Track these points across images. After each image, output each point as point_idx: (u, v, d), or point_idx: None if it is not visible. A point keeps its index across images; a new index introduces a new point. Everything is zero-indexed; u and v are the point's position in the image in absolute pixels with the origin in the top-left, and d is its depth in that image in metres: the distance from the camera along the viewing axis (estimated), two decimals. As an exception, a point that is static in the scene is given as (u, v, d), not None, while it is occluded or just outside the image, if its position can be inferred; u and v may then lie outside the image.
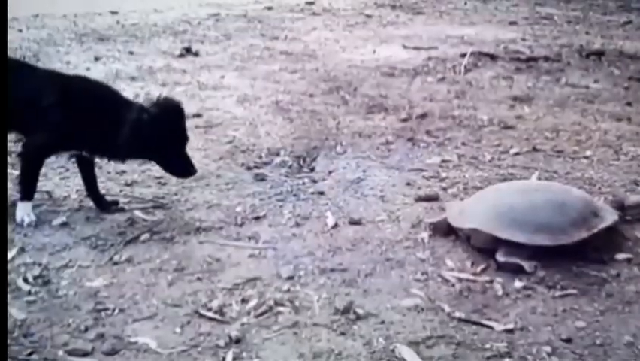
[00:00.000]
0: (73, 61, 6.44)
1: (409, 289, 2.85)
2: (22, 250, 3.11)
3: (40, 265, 2.98)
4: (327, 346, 2.48)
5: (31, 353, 2.42)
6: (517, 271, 2.95)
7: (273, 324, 2.60)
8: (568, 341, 2.52)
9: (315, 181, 3.93)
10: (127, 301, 2.73)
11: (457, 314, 2.66)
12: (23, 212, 3.33)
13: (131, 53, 6.91)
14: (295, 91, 5.72)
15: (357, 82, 6.02)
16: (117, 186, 3.79)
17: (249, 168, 4.10)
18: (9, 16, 7.92)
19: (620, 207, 3.40)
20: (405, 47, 7.45)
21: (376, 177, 3.98)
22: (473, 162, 4.23)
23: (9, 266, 2.96)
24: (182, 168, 3.43)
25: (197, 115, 4.98)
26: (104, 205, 3.52)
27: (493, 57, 6.86)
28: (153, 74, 6.12)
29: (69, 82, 3.48)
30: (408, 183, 3.90)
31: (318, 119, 4.99)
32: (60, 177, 3.88)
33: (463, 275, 2.95)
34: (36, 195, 3.42)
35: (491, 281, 2.91)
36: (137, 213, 3.49)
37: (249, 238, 3.27)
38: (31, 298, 2.75)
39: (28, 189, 3.35)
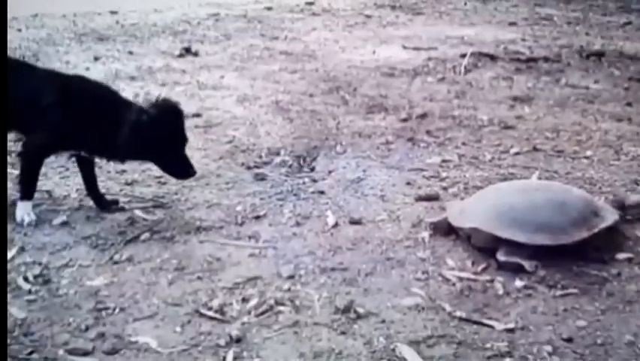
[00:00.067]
0: (73, 60, 6.44)
1: (410, 288, 2.85)
2: (22, 249, 3.11)
3: (40, 264, 2.98)
4: (327, 345, 2.48)
5: (31, 352, 2.41)
6: (517, 270, 2.95)
7: (273, 323, 2.60)
8: (569, 340, 2.52)
9: (315, 181, 3.93)
10: (127, 301, 2.73)
11: (458, 314, 2.66)
12: (23, 211, 3.32)
13: (131, 52, 6.91)
14: (295, 91, 5.72)
15: (357, 82, 6.02)
16: (117, 186, 3.79)
17: (249, 168, 4.10)
18: (9, 15, 7.93)
19: (621, 206, 3.40)
20: (405, 47, 7.45)
21: (376, 177, 3.98)
22: (473, 162, 4.23)
23: (9, 265, 2.96)
24: (181, 169, 3.43)
25: (197, 115, 4.99)
26: (104, 205, 3.51)
27: (493, 57, 6.86)
28: (153, 74, 6.12)
29: (69, 82, 3.48)
30: (408, 183, 3.90)
31: (318, 119, 4.99)
32: (60, 176, 3.87)
33: (463, 274, 2.95)
34: (36, 195, 3.42)
35: (492, 281, 2.91)
36: (138, 212, 3.49)
37: (250, 238, 3.26)
38: (31, 297, 2.75)
39: (28, 189, 3.35)
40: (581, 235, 3.04)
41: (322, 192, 3.76)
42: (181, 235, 3.27)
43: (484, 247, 3.09)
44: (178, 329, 2.56)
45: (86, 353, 2.42)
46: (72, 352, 2.42)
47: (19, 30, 7.75)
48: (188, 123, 4.39)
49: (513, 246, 2.99)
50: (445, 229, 3.28)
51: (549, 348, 2.47)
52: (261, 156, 4.27)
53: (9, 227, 3.27)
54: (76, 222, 3.37)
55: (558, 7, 10.29)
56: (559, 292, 2.82)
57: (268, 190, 3.79)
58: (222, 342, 2.48)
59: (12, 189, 3.57)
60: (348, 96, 5.59)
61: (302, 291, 2.82)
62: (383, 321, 2.62)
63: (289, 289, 2.82)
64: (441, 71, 6.43)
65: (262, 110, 5.19)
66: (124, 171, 3.91)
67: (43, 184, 3.63)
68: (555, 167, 4.16)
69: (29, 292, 2.78)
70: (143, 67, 6.33)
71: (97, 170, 3.58)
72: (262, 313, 2.66)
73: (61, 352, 2.42)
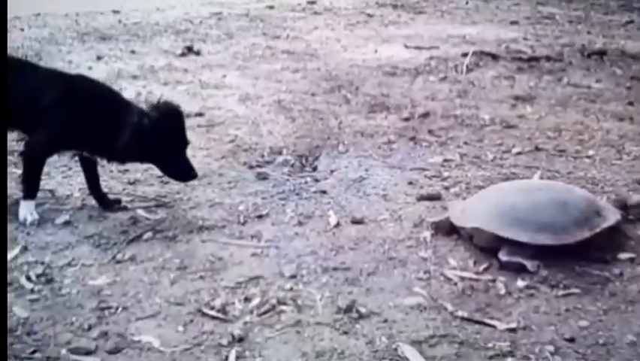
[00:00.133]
0: (75, 60, 6.44)
1: (412, 288, 2.85)
2: (25, 248, 3.11)
3: (43, 263, 2.99)
4: (329, 345, 2.48)
5: (34, 352, 2.42)
6: (519, 270, 2.95)
7: (275, 323, 2.61)
8: (571, 340, 2.52)
9: (317, 180, 3.93)
10: (130, 300, 2.74)
11: (460, 313, 2.67)
12: (26, 211, 3.33)
13: (133, 51, 6.91)
14: (297, 90, 5.72)
15: (359, 81, 6.02)
16: (120, 185, 3.80)
17: (251, 167, 4.10)
18: (11, 15, 7.94)
19: (623, 206, 3.40)
20: (406, 46, 7.45)
21: (378, 176, 3.99)
22: (475, 162, 4.23)
23: (12, 265, 2.96)
24: (182, 171, 3.43)
25: (199, 114, 4.99)
26: (107, 204, 3.52)
27: (494, 57, 6.85)
28: (155, 73, 6.12)
29: (71, 81, 3.48)
30: (410, 183, 3.90)
31: (320, 119, 4.99)
32: (63, 175, 3.88)
33: (465, 274, 2.95)
34: (39, 194, 3.42)
35: (494, 280, 2.91)
36: (140, 211, 3.49)
37: (252, 237, 3.27)
38: (34, 296, 2.76)
39: (30, 188, 3.36)
40: (583, 234, 3.04)
41: (324, 192, 3.76)
42: (183, 234, 3.27)
43: (486, 246, 3.09)
44: (180, 328, 2.57)
45: (88, 352, 2.43)
46: (75, 351, 2.43)
47: (22, 29, 7.76)
48: (191, 122, 4.43)
49: (515, 246, 2.99)
50: (447, 229, 3.28)
51: (551, 348, 2.47)
52: (263, 156, 4.27)
53: (12, 226, 3.28)
54: (79, 221, 3.38)
55: (560, 5, 10.28)
56: (561, 292, 2.83)
57: (270, 190, 3.79)
58: (225, 341, 2.48)
59: (15, 189, 3.58)
60: (350, 95, 5.59)
61: (304, 290, 2.82)
62: (385, 321, 2.62)
63: (291, 289, 2.83)
64: (443, 70, 6.42)
65: (264, 110, 5.19)
66: (126, 171, 3.91)
67: (45, 183, 3.63)
68: (557, 166, 4.16)
69: (32, 291, 2.79)
70: (145, 66, 6.33)
71: (99, 169, 3.58)
72: (264, 312, 2.66)
73: (63, 351, 2.43)
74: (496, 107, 5.33)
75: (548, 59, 6.81)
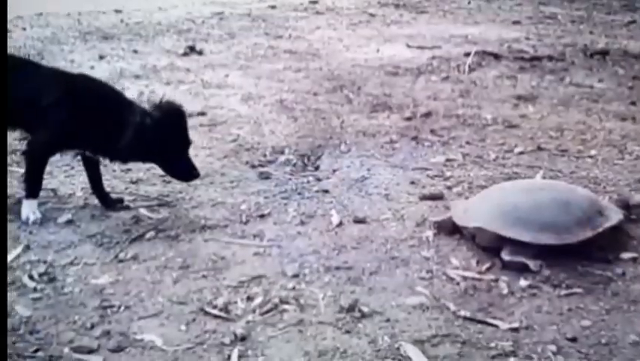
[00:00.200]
0: (78, 59, 6.45)
1: (414, 287, 2.85)
2: (27, 247, 3.11)
3: (45, 262, 2.99)
4: (332, 344, 2.48)
5: (36, 350, 2.42)
6: (522, 269, 2.95)
7: (278, 322, 2.61)
8: (573, 340, 2.52)
9: (319, 180, 3.93)
10: (132, 299, 2.74)
11: (462, 313, 2.67)
12: (29, 210, 3.33)
13: (135, 51, 6.92)
14: (299, 90, 5.72)
15: (361, 81, 6.02)
16: (122, 184, 3.80)
17: (253, 167, 4.10)
18: (14, 14, 7.96)
19: (625, 206, 3.40)
20: (409, 46, 7.45)
21: (381, 176, 3.99)
22: (478, 161, 4.23)
23: (14, 264, 2.96)
24: (184, 171, 3.43)
25: (202, 113, 5.00)
26: (109, 203, 3.52)
27: (497, 56, 6.85)
28: (157, 73, 6.12)
29: (73, 81, 3.48)
30: (412, 182, 3.90)
31: (323, 118, 4.99)
32: (65, 174, 3.88)
33: (468, 274, 2.95)
34: (41, 193, 3.42)
35: (496, 280, 2.91)
36: (142, 211, 3.50)
37: (254, 236, 3.27)
38: (36, 295, 2.76)
39: (33, 187, 3.36)
40: (586, 234, 3.04)
41: (326, 191, 3.76)
42: (186, 233, 3.27)
43: (489, 246, 3.09)
44: (183, 327, 2.57)
45: (91, 351, 2.43)
46: (77, 350, 2.43)
47: (24, 29, 7.76)
48: (193, 122, 4.43)
49: (517, 245, 2.99)
50: (450, 228, 3.28)
51: (553, 348, 2.47)
52: (265, 155, 4.27)
53: (14, 225, 3.28)
54: (82, 220, 3.38)
55: (562, 5, 10.28)
56: (563, 292, 2.82)
57: (272, 189, 3.79)
58: (227, 340, 2.48)
59: (17, 188, 3.58)
60: (352, 95, 5.59)
61: (306, 290, 2.82)
62: (387, 320, 2.62)
63: (294, 288, 2.83)
64: (445, 69, 6.43)
65: (266, 109, 5.20)
66: (129, 170, 3.92)
67: (48, 183, 3.63)
68: (559, 166, 4.16)
69: (34, 290, 2.79)
70: (147, 65, 6.33)
71: (102, 168, 3.58)
72: (267, 311, 2.66)
73: (66, 350, 2.43)
74: (498, 107, 5.33)
75: (551, 58, 6.81)
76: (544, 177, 3.94)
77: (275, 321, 2.61)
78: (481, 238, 3.12)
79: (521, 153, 4.37)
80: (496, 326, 2.60)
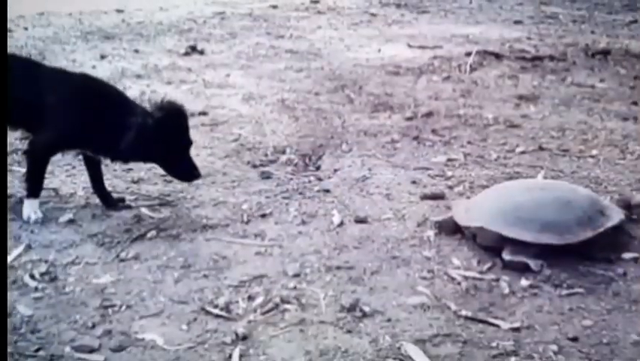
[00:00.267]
0: (79, 59, 6.46)
1: (415, 287, 2.85)
2: (29, 246, 3.11)
3: (46, 261, 2.99)
4: (333, 343, 2.48)
5: (38, 350, 2.42)
6: (523, 269, 2.95)
7: (279, 321, 2.61)
8: (574, 339, 2.52)
9: (320, 179, 3.93)
10: (134, 298, 2.74)
11: (464, 312, 2.66)
12: (30, 209, 3.33)
13: (137, 51, 6.93)
14: (301, 89, 5.73)
15: (363, 80, 6.02)
16: (123, 184, 3.80)
17: (254, 166, 4.11)
18: (15, 14, 7.96)
19: (627, 206, 3.40)
20: (410, 45, 7.45)
21: (382, 176, 3.99)
22: (479, 161, 4.23)
23: (16, 263, 2.97)
24: (185, 171, 3.43)
25: (203, 113, 5.00)
26: (111, 202, 3.52)
27: (498, 56, 6.86)
28: (159, 72, 6.13)
29: (75, 80, 3.48)
30: (413, 182, 3.90)
31: (324, 118, 4.99)
32: (66, 174, 3.89)
33: (469, 273, 2.95)
34: (43, 193, 3.42)
35: (497, 280, 2.91)
36: (144, 210, 3.50)
37: (255, 236, 3.27)
38: (38, 294, 2.75)
39: (34, 187, 3.36)
40: (587, 234, 3.03)
41: (328, 191, 3.76)
42: (187, 232, 3.27)
43: (490, 246, 3.09)
44: (184, 326, 2.57)
45: (92, 350, 2.43)
46: (78, 349, 2.43)
47: (26, 28, 7.78)
48: (194, 121, 4.43)
49: (519, 245, 2.99)
50: (451, 228, 3.28)
51: (555, 347, 2.47)
52: (266, 155, 4.27)
53: (16, 225, 3.28)
54: (83, 220, 3.38)
55: (563, 5, 10.28)
56: (564, 292, 2.82)
57: (274, 189, 3.79)
58: (228, 340, 2.48)
59: (18, 187, 3.58)
60: (353, 95, 5.59)
61: (308, 289, 2.82)
62: (389, 320, 2.62)
63: (295, 288, 2.83)
64: (446, 69, 6.43)
65: (268, 109, 5.20)
66: (130, 170, 3.92)
67: (49, 182, 3.63)
68: (561, 166, 4.16)
69: (36, 289, 2.79)
70: (149, 65, 6.34)
71: (103, 168, 3.58)
72: (268, 311, 2.66)
73: (67, 349, 2.43)
74: (499, 107, 5.33)
75: (552, 58, 6.82)
76: (545, 177, 3.94)
77: (276, 321, 2.61)
78: (482, 238, 3.12)
79: (523, 152, 4.37)
80: (497, 325, 2.60)
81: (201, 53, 6.93)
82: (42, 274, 2.89)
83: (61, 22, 8.18)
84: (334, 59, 6.80)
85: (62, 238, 3.20)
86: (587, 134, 4.71)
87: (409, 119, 4.99)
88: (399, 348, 2.45)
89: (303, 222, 3.40)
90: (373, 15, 9.39)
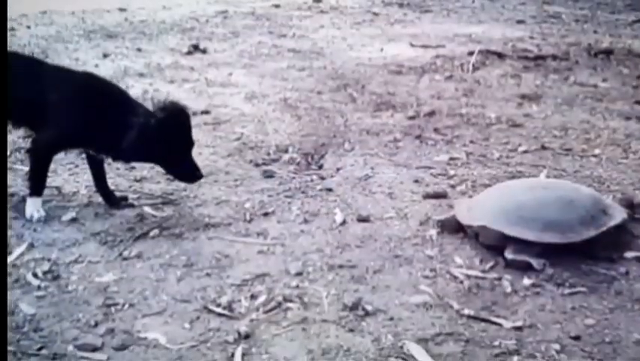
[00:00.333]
0: (82, 57, 6.46)
1: (418, 286, 2.85)
2: (31, 245, 3.12)
3: (49, 260, 2.99)
4: (335, 342, 2.48)
5: (40, 348, 2.42)
6: (525, 268, 2.95)
7: (281, 320, 2.61)
8: (577, 338, 2.52)
9: (323, 178, 3.93)
10: (136, 297, 2.74)
11: (466, 311, 2.66)
12: (33, 208, 3.34)
13: (139, 49, 6.93)
14: (303, 88, 5.73)
15: (365, 80, 6.02)
16: (126, 182, 3.80)
17: (257, 165, 4.11)
18: (18, 12, 7.97)
19: (629, 205, 3.40)
20: (412, 45, 7.45)
21: (384, 175, 3.99)
22: (481, 160, 4.23)
23: (18, 262, 2.97)
24: (187, 172, 3.42)
25: (206, 112, 5.00)
26: (114, 201, 3.52)
27: (500, 55, 6.85)
28: (161, 71, 6.14)
29: (78, 79, 3.49)
30: (416, 181, 3.90)
31: (326, 117, 4.99)
32: (69, 173, 3.89)
33: (471, 272, 2.95)
34: (45, 191, 3.43)
35: (500, 279, 2.90)
36: (147, 209, 3.50)
37: (258, 235, 3.27)
38: (40, 293, 2.76)
39: (37, 185, 3.36)
40: (590, 233, 3.03)
41: (330, 190, 3.76)
42: (190, 231, 3.28)
43: (492, 244, 3.09)
44: (187, 325, 2.57)
45: (95, 349, 2.43)
46: (81, 348, 2.43)
47: (29, 27, 7.79)
48: (197, 120, 4.44)
49: (521, 244, 2.99)
50: (453, 227, 3.28)
51: (557, 346, 2.47)
52: (269, 154, 4.27)
53: (18, 223, 3.29)
54: (86, 218, 3.39)
55: (566, 4, 10.28)
56: (567, 291, 2.82)
57: (276, 187, 3.80)
58: (231, 338, 2.48)
59: (21, 186, 3.59)
60: (356, 94, 5.59)
61: (310, 288, 2.82)
62: (391, 318, 2.62)
63: (297, 286, 2.83)
64: (449, 68, 6.43)
65: (270, 108, 5.20)
66: (133, 168, 3.92)
67: (52, 181, 3.64)
68: (563, 165, 4.16)
69: (38, 288, 2.79)
70: (151, 64, 6.34)
71: (106, 167, 3.59)
72: (270, 309, 2.67)
73: (70, 348, 2.43)
74: (502, 106, 5.33)
75: (555, 57, 6.81)
76: (548, 176, 3.94)
77: (278, 319, 2.61)
78: (484, 237, 3.12)
79: (525, 152, 4.37)
80: (499, 324, 2.60)
81: (204, 51, 6.93)
82: (45, 273, 2.89)
83: (63, 21, 8.19)
84: (337, 58, 6.80)
85: (65, 237, 3.20)
86: (589, 134, 4.71)
87: (412, 118, 4.99)
88: (401, 347, 2.45)
89: (306, 221, 3.40)
90: (376, 14, 9.39)
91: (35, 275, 2.87)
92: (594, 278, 2.92)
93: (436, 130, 4.73)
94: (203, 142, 4.28)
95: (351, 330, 2.55)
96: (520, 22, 8.95)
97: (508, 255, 2.99)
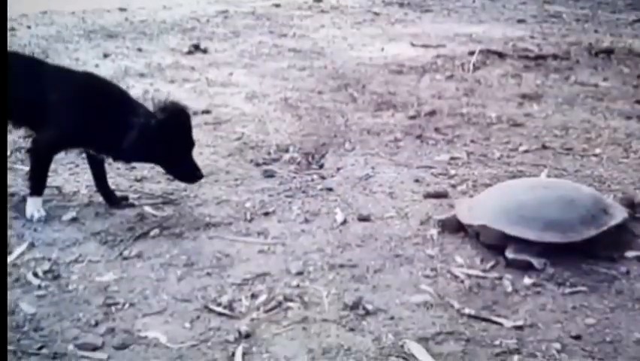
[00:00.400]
0: (82, 57, 6.46)
1: (418, 285, 2.85)
2: (32, 245, 3.12)
3: (50, 259, 2.99)
4: (336, 341, 2.48)
5: (41, 348, 2.42)
6: (526, 268, 2.94)
7: (282, 319, 2.61)
8: (577, 337, 2.52)
9: (323, 178, 3.93)
10: (137, 296, 2.74)
11: (467, 311, 2.66)
12: (33, 207, 3.33)
13: (140, 49, 6.93)
14: (304, 88, 5.72)
15: (366, 79, 6.02)
16: (127, 182, 3.80)
17: (257, 165, 4.11)
18: (18, 12, 7.97)
19: (630, 204, 3.40)
20: (413, 44, 7.45)
21: (385, 174, 3.98)
22: (482, 160, 4.22)
23: (19, 261, 2.97)
24: (188, 172, 3.42)
25: (206, 112, 5.00)
26: (114, 201, 3.52)
27: (501, 55, 6.85)
28: (162, 71, 6.13)
29: (78, 79, 3.49)
30: (416, 180, 3.90)
31: (327, 116, 4.99)
32: (70, 172, 3.89)
33: (472, 272, 2.95)
34: (46, 191, 3.43)
35: (500, 278, 2.90)
36: (147, 208, 3.50)
37: (259, 234, 3.27)
38: (41, 292, 2.76)
39: (38, 185, 3.36)
40: (590, 232, 3.03)
41: (331, 189, 3.76)
42: (190, 231, 3.28)
43: (493, 244, 3.09)
44: (187, 324, 2.57)
45: (95, 348, 2.43)
46: (81, 347, 2.43)
47: (29, 27, 7.78)
48: (197, 120, 4.44)
49: (522, 243, 2.99)
50: (454, 227, 3.28)
51: (558, 346, 2.47)
52: (269, 153, 4.27)
53: (19, 223, 3.29)
54: (86, 218, 3.39)
55: (567, 4, 10.27)
56: (567, 290, 2.82)
57: (277, 187, 3.79)
58: (231, 338, 2.48)
59: (22, 185, 3.59)
60: (356, 93, 5.59)
61: (311, 287, 2.82)
62: (392, 318, 2.62)
63: (298, 286, 2.83)
64: (449, 68, 6.42)
65: (271, 107, 5.20)
66: (133, 168, 3.92)
67: (52, 180, 3.64)
68: (564, 165, 4.15)
69: (39, 287, 2.79)
70: (152, 64, 6.34)
71: (107, 166, 3.59)
72: (271, 309, 2.67)
73: (70, 347, 2.43)
74: (502, 106, 5.32)
75: (555, 57, 6.81)
76: (548, 176, 3.94)
77: (279, 319, 2.61)
78: (485, 236, 3.12)
79: (526, 151, 4.37)
80: (500, 323, 2.60)
81: (204, 51, 6.93)
82: (45, 272, 2.89)
83: (64, 21, 8.18)
84: (337, 58, 6.80)
85: (65, 236, 3.20)
86: (590, 133, 4.71)
87: (412, 117, 4.99)
88: (402, 346, 2.45)
89: (306, 221, 3.40)
90: (376, 14, 9.39)
91: (36, 275, 2.87)
92: (595, 278, 2.92)
93: (436, 130, 4.73)
94: (203, 142, 4.27)
95: (351, 329, 2.55)
96: (520, 21, 8.95)
97: (509, 254, 2.99)
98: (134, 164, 3.82)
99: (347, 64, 6.55)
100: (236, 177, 3.91)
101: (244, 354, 2.41)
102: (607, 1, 10.47)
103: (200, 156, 3.86)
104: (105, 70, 5.80)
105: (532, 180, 3.77)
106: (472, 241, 3.18)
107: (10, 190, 3.59)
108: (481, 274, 2.94)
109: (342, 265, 2.99)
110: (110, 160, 3.48)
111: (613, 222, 3.11)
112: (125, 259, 3.02)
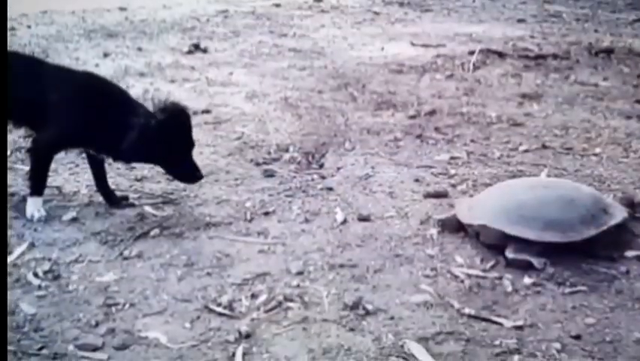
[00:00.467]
0: (82, 57, 6.46)
1: (419, 285, 2.85)
2: (32, 245, 3.12)
3: (50, 260, 2.99)
4: (336, 341, 2.48)
5: (41, 348, 2.42)
6: (526, 267, 2.95)
7: (282, 319, 2.61)
8: (577, 337, 2.52)
9: (323, 177, 3.93)
10: (137, 296, 2.74)
11: (467, 311, 2.66)
12: (33, 207, 3.34)
13: (140, 49, 6.93)
14: (304, 87, 5.72)
15: (366, 79, 6.02)
16: (127, 182, 3.80)
17: (258, 164, 4.11)
18: (18, 12, 7.97)
19: (630, 204, 3.40)
20: (413, 44, 7.45)
21: (385, 174, 3.98)
22: (482, 159, 4.23)
23: (19, 261, 2.97)
24: (188, 173, 3.42)
25: (206, 111, 5.00)
26: (114, 201, 3.52)
27: (501, 55, 6.85)
28: (162, 71, 6.13)
29: (79, 79, 3.48)
30: (416, 180, 3.90)
31: (327, 116, 4.99)
32: (70, 172, 3.89)
33: (472, 272, 2.95)
34: (46, 191, 3.43)
35: (500, 278, 2.90)
36: (147, 208, 3.50)
37: (259, 234, 3.27)
38: (41, 293, 2.76)
39: (38, 185, 3.36)
40: (590, 232, 3.03)
41: (331, 189, 3.76)
42: (190, 231, 3.28)
43: (493, 244, 3.09)
44: (187, 324, 2.57)
45: (95, 349, 2.43)
46: (82, 347, 2.43)
47: (29, 27, 7.78)
48: (197, 120, 4.44)
49: (522, 243, 2.99)
50: (454, 226, 3.28)
51: (558, 345, 2.47)
52: (269, 153, 4.27)
53: (19, 223, 3.29)
54: (86, 218, 3.39)
55: (567, 4, 10.27)
56: (567, 290, 2.82)
57: (277, 187, 3.79)
58: (231, 338, 2.48)
59: (22, 185, 3.59)
60: (356, 93, 5.59)
61: (311, 287, 2.82)
62: (392, 318, 2.62)
63: (298, 286, 2.83)
64: (449, 68, 6.42)
65: (271, 107, 5.20)
66: (133, 168, 3.92)
67: (53, 180, 3.64)
68: (564, 164, 4.16)
69: (39, 287, 2.79)
70: (152, 63, 6.34)
71: (107, 166, 3.59)
72: (271, 309, 2.67)
73: (71, 347, 2.43)
74: (502, 105, 5.32)
75: (555, 57, 6.81)
76: (548, 175, 3.94)
77: (279, 319, 2.61)
78: (485, 236, 3.12)
79: (526, 151, 4.37)
80: (500, 323, 2.60)
81: (204, 51, 6.93)
82: (45, 273, 2.89)
83: (64, 21, 8.18)
84: (337, 58, 6.80)
85: (65, 236, 3.20)
86: (590, 133, 4.71)
87: (412, 117, 4.99)
88: (402, 346, 2.46)
89: (306, 221, 3.40)
90: (376, 13, 9.39)
91: (36, 275, 2.87)
92: (595, 277, 2.92)
93: (436, 129, 4.73)
94: (203, 141, 4.27)
95: (351, 329, 2.55)
96: (520, 21, 8.95)
97: (509, 254, 2.99)
98: (134, 164, 3.82)
99: (347, 63, 6.55)
100: (237, 177, 3.91)
101: (244, 354, 2.41)
102: (607, 0, 10.47)
103: (200, 155, 3.87)
104: (105, 69, 5.80)
105: (532, 179, 3.77)
106: (472, 241, 3.18)
107: (10, 190, 3.59)
108: (481, 273, 2.94)
109: (342, 265, 2.99)
110: (110, 160, 3.48)
111: (613, 222, 3.11)
112: (126, 259, 3.02)
